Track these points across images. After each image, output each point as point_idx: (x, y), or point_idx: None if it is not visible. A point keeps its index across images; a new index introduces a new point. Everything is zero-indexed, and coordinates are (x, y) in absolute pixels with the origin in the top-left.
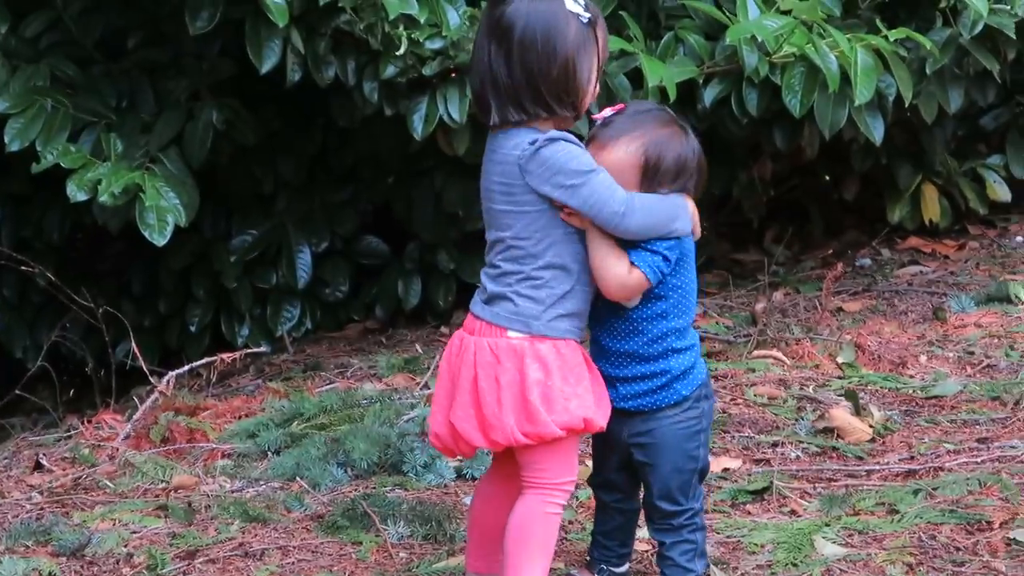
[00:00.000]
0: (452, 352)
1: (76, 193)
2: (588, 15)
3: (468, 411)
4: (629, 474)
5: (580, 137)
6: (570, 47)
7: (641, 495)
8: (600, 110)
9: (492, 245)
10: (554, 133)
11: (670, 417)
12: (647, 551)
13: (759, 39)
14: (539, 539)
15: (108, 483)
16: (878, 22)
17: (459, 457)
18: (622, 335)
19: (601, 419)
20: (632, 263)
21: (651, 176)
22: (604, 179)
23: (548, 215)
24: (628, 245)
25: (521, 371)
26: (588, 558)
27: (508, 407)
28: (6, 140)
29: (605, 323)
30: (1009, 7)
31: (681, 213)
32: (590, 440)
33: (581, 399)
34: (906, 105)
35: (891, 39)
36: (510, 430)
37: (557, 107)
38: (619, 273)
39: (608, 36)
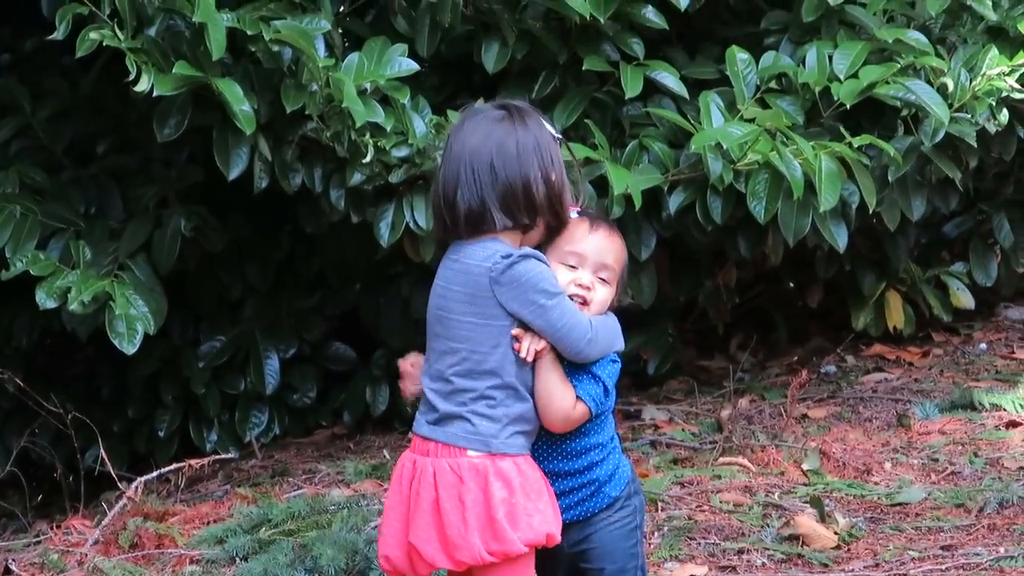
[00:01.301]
0: (403, 475)
1: (45, 301)
2: (560, 136)
3: (430, 532)
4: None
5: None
6: (556, 164)
7: None
8: None
9: (442, 356)
10: (528, 250)
11: (605, 520)
12: None
13: (724, 147)
14: None
15: None
16: (842, 130)
17: None
18: (546, 456)
19: (559, 532)
20: (578, 397)
21: (622, 276)
22: (570, 304)
23: (506, 330)
24: (573, 372)
25: (485, 490)
26: None
27: (474, 527)
28: None
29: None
30: (970, 116)
31: (618, 330)
32: None
33: (543, 514)
34: (870, 212)
35: (855, 146)
36: (477, 550)
37: (545, 217)
38: (565, 407)
39: None
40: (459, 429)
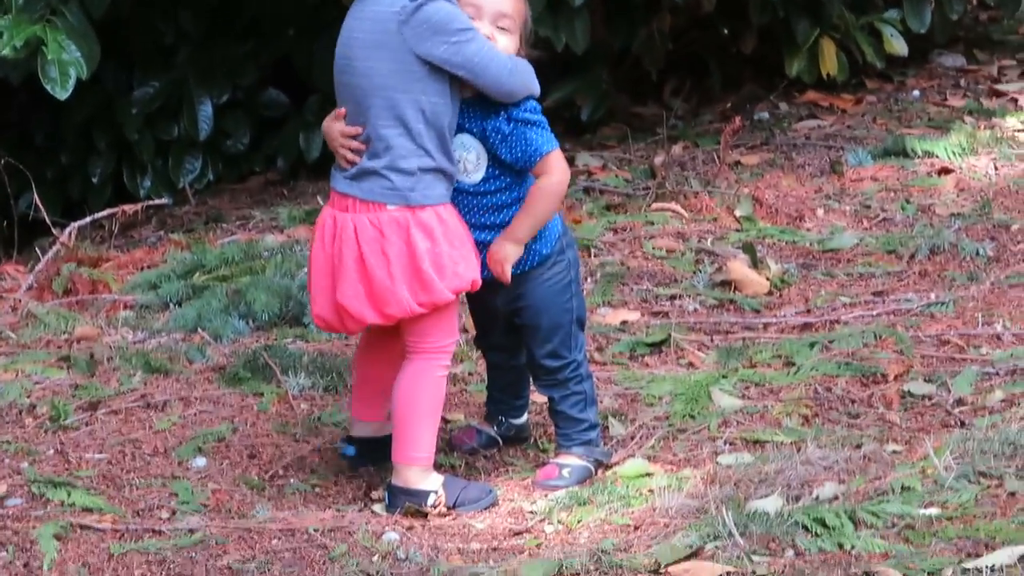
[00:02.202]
0: (325, 232)
1: None
2: None
3: (356, 288)
4: (514, 335)
5: None
6: None
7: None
8: None
9: (351, 110)
10: None
11: (537, 277)
12: (545, 402)
13: None
14: (429, 401)
15: (10, 334)
16: None
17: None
18: (469, 211)
19: (479, 276)
20: (544, 154)
21: (526, 26)
22: (484, 38)
23: (417, 76)
24: (514, 134)
25: (408, 242)
26: (486, 411)
27: (400, 279)
28: None
29: (462, 206)
30: None
31: (533, 73)
32: (467, 306)
33: (467, 261)
34: None
35: None
36: (405, 302)
37: None
38: (561, 182)
39: None
40: (375, 184)
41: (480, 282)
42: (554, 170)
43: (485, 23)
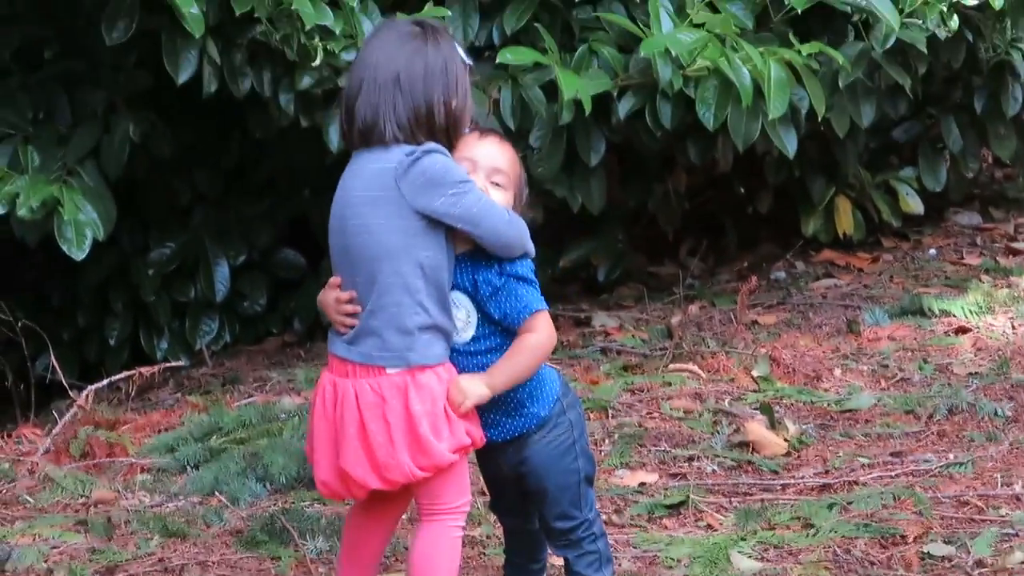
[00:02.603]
0: (325, 398)
1: None
2: (469, 62)
3: (359, 455)
4: (526, 499)
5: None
6: (460, 90)
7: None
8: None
9: (348, 269)
10: (430, 145)
11: (538, 442)
12: (563, 564)
13: (673, 53)
14: (446, 564)
15: (28, 498)
16: (791, 36)
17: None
18: (465, 372)
19: (480, 431)
20: (534, 312)
21: (519, 184)
22: (480, 190)
23: (414, 231)
24: (504, 293)
25: (406, 406)
26: (504, 574)
27: (401, 444)
28: None
29: (459, 367)
30: (921, 21)
31: (527, 229)
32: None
33: (467, 418)
34: (819, 119)
35: (804, 53)
36: (407, 467)
37: (440, 138)
38: (545, 344)
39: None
40: (372, 347)
41: (484, 439)
42: (541, 329)
43: (480, 177)
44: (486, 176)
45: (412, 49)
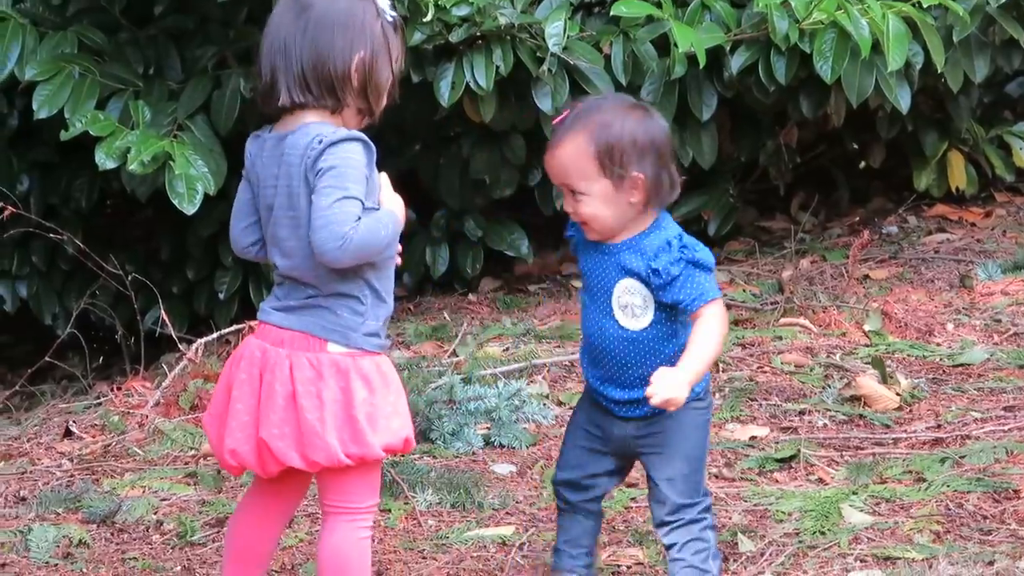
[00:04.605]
0: (251, 364)
1: (105, 161)
2: (393, 15)
3: (283, 429)
4: (615, 474)
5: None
6: (372, 43)
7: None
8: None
9: (286, 253)
10: (353, 133)
11: (682, 413)
12: (630, 566)
13: (791, 5)
14: (356, 566)
15: (138, 450)
16: None
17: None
18: (642, 361)
19: (412, 438)
20: (708, 301)
21: (609, 163)
22: (352, 206)
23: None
24: (680, 282)
25: (346, 389)
26: (553, 564)
27: (331, 426)
28: (34, 107)
29: (616, 355)
30: None
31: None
32: (564, 437)
33: (403, 418)
34: (938, 72)
35: (924, 6)
36: (333, 450)
37: (352, 99)
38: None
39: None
40: (318, 317)
41: (413, 444)
42: (719, 314)
43: (570, 202)
44: (567, 191)
45: (311, 0)
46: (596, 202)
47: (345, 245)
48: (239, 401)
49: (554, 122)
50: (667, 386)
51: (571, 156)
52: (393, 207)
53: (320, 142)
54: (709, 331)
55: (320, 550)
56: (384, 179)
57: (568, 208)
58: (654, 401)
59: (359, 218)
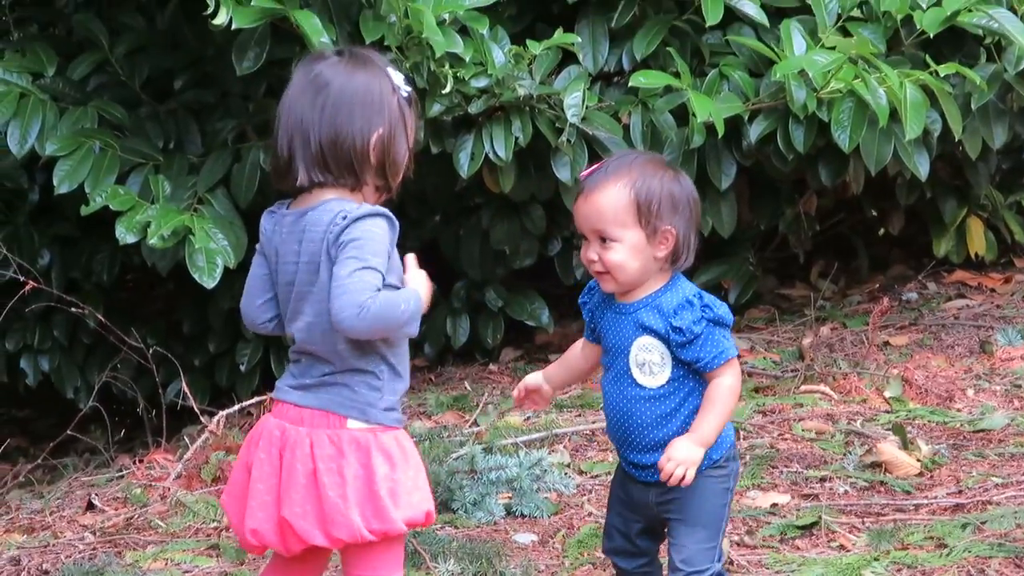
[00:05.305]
0: (270, 443)
1: (125, 235)
2: (408, 90)
3: (305, 507)
4: (652, 536)
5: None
6: (389, 119)
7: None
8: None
9: (306, 328)
10: (374, 208)
11: (700, 477)
12: None
13: (809, 74)
14: None
15: (160, 523)
16: (927, 59)
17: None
18: (646, 425)
19: (434, 511)
20: (725, 361)
21: (646, 213)
22: (372, 277)
23: None
24: (701, 343)
25: (367, 465)
26: None
27: (353, 502)
28: (55, 182)
29: (634, 416)
30: None
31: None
32: (607, 505)
33: (423, 492)
34: (956, 139)
35: (941, 74)
36: (356, 527)
37: (371, 176)
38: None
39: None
40: (335, 394)
41: (434, 517)
42: (734, 373)
43: (595, 248)
44: (594, 239)
45: (325, 78)
46: (625, 251)
47: (363, 314)
48: (259, 481)
49: (584, 174)
50: (680, 454)
51: (609, 202)
52: (417, 286)
53: (344, 218)
54: (720, 391)
55: None
56: (410, 259)
57: (591, 255)
58: (665, 471)
59: (378, 289)
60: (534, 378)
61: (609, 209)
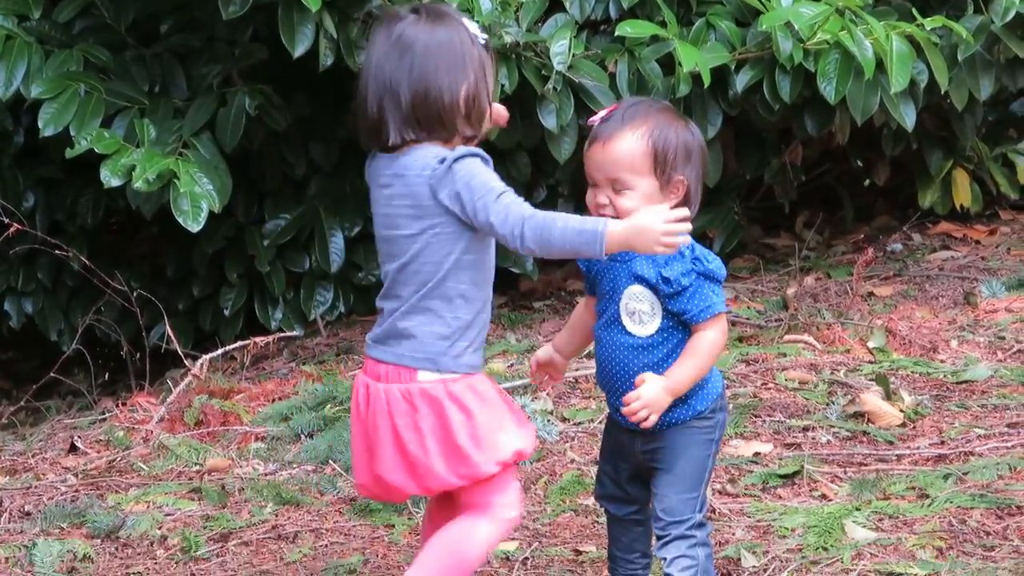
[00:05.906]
0: (359, 402)
1: (110, 179)
2: (485, 37)
3: (395, 462)
4: (642, 484)
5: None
6: (473, 71)
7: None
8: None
9: (394, 273)
10: (466, 149)
11: (685, 426)
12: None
13: (795, 26)
14: (464, 560)
15: (142, 465)
16: (913, 11)
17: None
18: (633, 369)
19: (530, 445)
20: (715, 315)
21: (662, 162)
22: (513, 196)
23: (456, 237)
24: (687, 296)
25: (442, 415)
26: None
27: (435, 453)
28: (40, 125)
29: (622, 363)
30: None
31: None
32: (599, 452)
33: (507, 431)
34: (942, 92)
35: (927, 27)
36: (443, 475)
37: (461, 127)
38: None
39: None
40: (406, 348)
41: (527, 454)
42: (719, 328)
43: (605, 194)
44: (606, 187)
45: (409, 37)
46: (639, 198)
47: (528, 221)
48: (354, 438)
49: (593, 119)
50: (648, 394)
51: (626, 150)
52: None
53: (441, 161)
54: (701, 343)
55: (449, 528)
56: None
57: (600, 201)
58: (628, 409)
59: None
60: (544, 351)
61: (626, 157)
